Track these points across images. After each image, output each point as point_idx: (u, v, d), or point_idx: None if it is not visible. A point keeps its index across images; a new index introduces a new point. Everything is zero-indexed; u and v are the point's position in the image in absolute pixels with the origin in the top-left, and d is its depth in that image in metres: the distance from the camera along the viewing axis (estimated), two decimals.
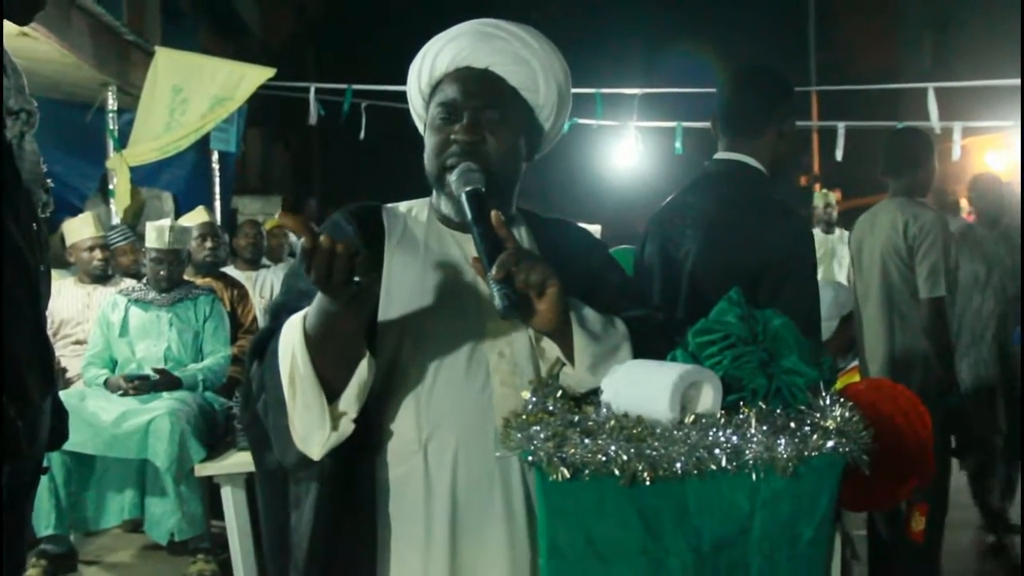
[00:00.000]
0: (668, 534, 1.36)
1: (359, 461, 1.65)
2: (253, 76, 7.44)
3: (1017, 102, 7.41)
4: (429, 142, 1.75)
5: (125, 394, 4.66)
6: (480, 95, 1.72)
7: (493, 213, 1.57)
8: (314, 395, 1.54)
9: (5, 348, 2.20)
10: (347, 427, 1.56)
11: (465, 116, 1.71)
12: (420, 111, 1.85)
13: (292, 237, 8.55)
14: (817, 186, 17.31)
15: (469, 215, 1.60)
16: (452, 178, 1.67)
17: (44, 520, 4.36)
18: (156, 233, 5.06)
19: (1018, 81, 8.11)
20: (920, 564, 3.78)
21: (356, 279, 1.45)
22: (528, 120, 1.79)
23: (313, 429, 1.55)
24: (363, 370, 1.56)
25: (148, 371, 4.79)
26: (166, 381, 4.76)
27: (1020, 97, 7.23)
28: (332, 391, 1.55)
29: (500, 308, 1.49)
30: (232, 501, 3.71)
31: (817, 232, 7.33)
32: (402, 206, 1.85)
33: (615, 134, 10.38)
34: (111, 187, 7.19)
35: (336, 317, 1.50)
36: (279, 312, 1.67)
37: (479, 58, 1.74)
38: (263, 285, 6.73)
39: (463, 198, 1.62)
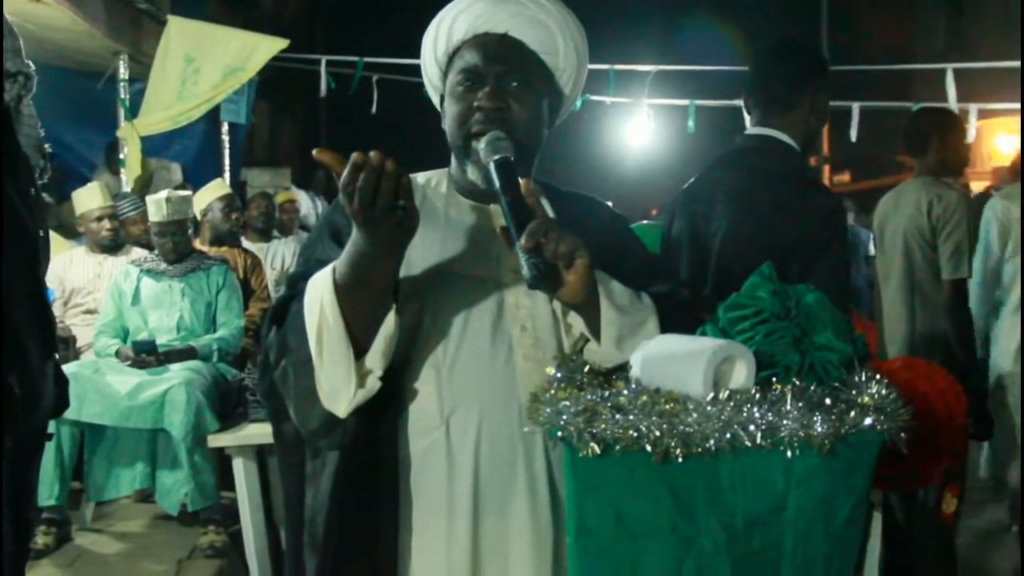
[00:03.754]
0: (700, 512, 1.33)
1: (380, 433, 1.62)
2: (266, 47, 7.39)
3: None
4: (451, 111, 1.71)
5: (133, 365, 4.63)
6: (502, 60, 1.69)
7: (523, 181, 1.53)
8: (342, 349, 1.50)
9: (4, 314, 2.17)
10: (373, 384, 1.53)
11: (488, 82, 1.67)
12: (436, 82, 1.81)
13: (303, 210, 8.54)
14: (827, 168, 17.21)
15: (498, 184, 1.55)
16: (480, 146, 1.63)
17: (47, 490, 4.35)
18: (155, 207, 5.00)
19: None
20: (937, 545, 3.76)
21: (400, 203, 1.40)
22: (549, 84, 1.77)
23: (340, 385, 1.52)
24: (389, 324, 1.52)
25: (155, 339, 4.76)
26: (180, 352, 4.73)
27: (1020, 83, 7.14)
28: (359, 348, 1.52)
29: (529, 278, 1.45)
30: (244, 473, 3.69)
31: None
32: (420, 177, 1.81)
33: (627, 111, 10.35)
34: (122, 156, 7.15)
35: (370, 259, 1.46)
36: (296, 282, 1.63)
37: (497, 23, 1.71)
38: (274, 257, 6.73)
39: (491, 167, 1.58)
